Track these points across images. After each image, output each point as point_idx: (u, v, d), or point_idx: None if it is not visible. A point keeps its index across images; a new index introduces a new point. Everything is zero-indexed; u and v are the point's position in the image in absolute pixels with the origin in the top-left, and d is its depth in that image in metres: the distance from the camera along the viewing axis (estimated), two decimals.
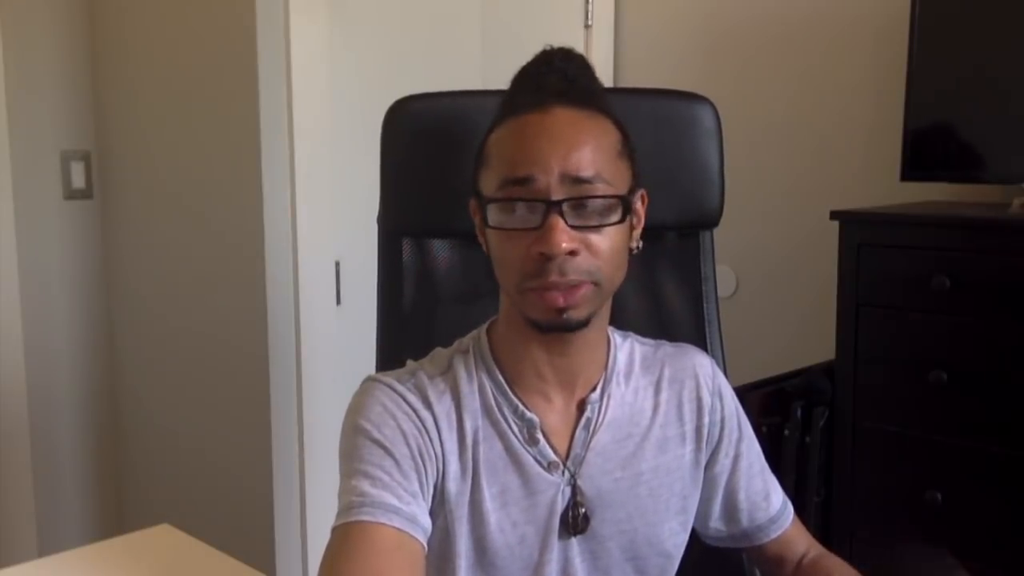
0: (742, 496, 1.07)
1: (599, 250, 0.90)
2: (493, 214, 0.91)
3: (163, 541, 1.23)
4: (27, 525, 2.45)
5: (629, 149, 0.96)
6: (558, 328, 0.93)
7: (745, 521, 1.08)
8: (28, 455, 2.43)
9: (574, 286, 0.89)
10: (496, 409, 0.97)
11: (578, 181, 0.88)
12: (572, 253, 0.88)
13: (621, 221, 0.91)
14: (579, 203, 0.89)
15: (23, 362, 2.40)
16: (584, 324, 0.93)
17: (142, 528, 1.24)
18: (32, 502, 2.45)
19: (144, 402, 2.53)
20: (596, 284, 0.91)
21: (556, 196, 0.88)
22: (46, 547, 2.45)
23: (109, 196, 2.53)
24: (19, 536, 2.43)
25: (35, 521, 2.46)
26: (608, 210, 0.90)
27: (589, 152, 0.90)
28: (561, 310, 0.90)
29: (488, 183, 0.93)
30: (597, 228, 0.89)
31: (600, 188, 0.89)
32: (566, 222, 0.87)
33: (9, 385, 2.38)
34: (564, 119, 0.91)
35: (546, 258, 0.87)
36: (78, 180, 2.49)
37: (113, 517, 2.64)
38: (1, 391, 2.36)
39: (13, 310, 2.37)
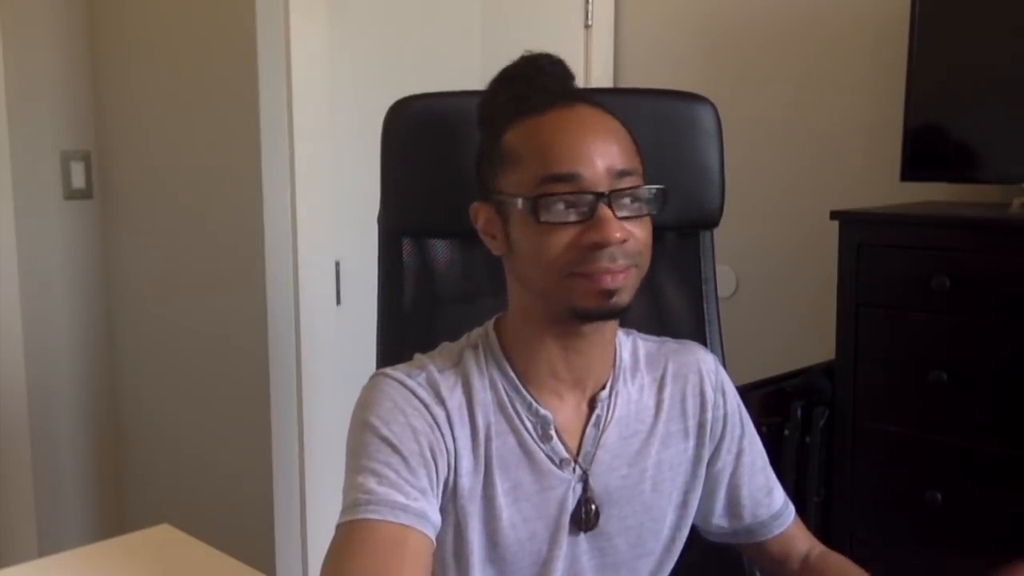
0: (745, 492, 1.08)
1: (639, 238, 0.93)
2: (541, 211, 0.91)
3: (163, 541, 1.23)
4: (27, 525, 2.45)
5: (638, 146, 0.98)
6: (604, 315, 0.94)
7: (748, 517, 1.09)
8: (28, 455, 2.43)
9: (622, 270, 0.91)
10: (509, 405, 0.97)
11: (620, 174, 0.92)
12: (623, 242, 0.90)
13: (660, 209, 0.95)
14: (624, 194, 0.91)
15: (23, 362, 2.40)
16: (625, 309, 0.95)
17: (142, 528, 1.24)
18: (32, 502, 2.45)
19: (144, 402, 2.53)
20: (637, 267, 0.93)
21: (603, 188, 0.90)
22: (46, 547, 2.45)
23: (109, 196, 2.53)
24: (19, 536, 2.43)
25: (35, 521, 2.46)
26: (644, 200, 0.93)
27: (621, 146, 0.93)
28: (610, 293, 0.91)
29: (518, 182, 0.93)
30: (639, 217, 0.92)
31: (636, 180, 0.93)
32: (614, 213, 0.90)
33: (9, 385, 2.38)
34: (591, 115, 0.94)
35: (598, 247, 0.89)
36: (78, 180, 2.49)
37: (113, 517, 2.64)
38: (1, 391, 2.36)
39: (13, 310, 2.37)
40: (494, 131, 0.98)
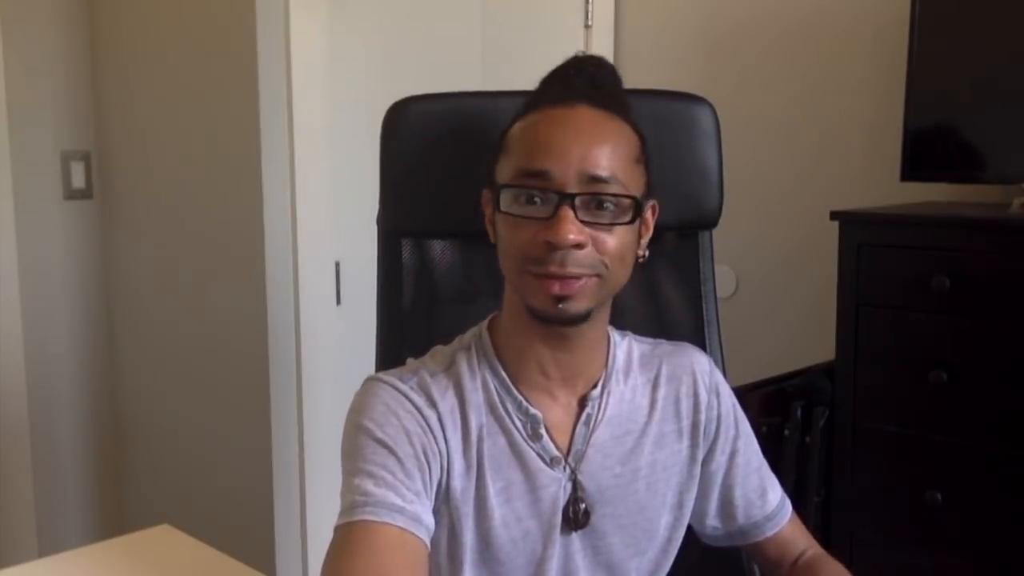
0: (738, 493, 1.08)
1: (606, 248, 0.91)
2: (506, 200, 0.92)
3: (163, 541, 1.23)
4: (27, 525, 2.45)
5: (646, 157, 0.97)
6: (556, 320, 0.94)
7: (741, 518, 1.09)
8: (28, 455, 2.44)
9: (572, 278, 0.90)
10: (500, 405, 0.98)
11: (594, 179, 0.91)
12: (578, 247, 0.89)
13: (631, 222, 0.93)
14: (592, 199, 0.91)
15: (23, 362, 2.40)
16: (583, 318, 0.94)
17: (142, 528, 1.24)
18: (32, 502, 2.45)
19: (144, 402, 2.53)
20: (598, 276, 0.92)
21: (571, 190, 0.90)
22: (46, 547, 2.45)
23: (109, 196, 2.53)
24: (19, 536, 2.43)
25: (35, 521, 2.46)
26: (620, 210, 0.92)
27: (608, 152, 0.92)
28: (558, 299, 0.91)
29: (504, 171, 0.95)
30: (607, 226, 0.91)
31: (614, 188, 0.91)
32: (576, 216, 0.89)
33: (9, 385, 2.38)
34: (587, 117, 0.93)
35: (552, 247, 0.89)
36: (78, 180, 2.49)
37: (113, 517, 2.64)
38: (1, 391, 2.36)
39: (13, 310, 2.37)
40: (509, 123, 0.99)
